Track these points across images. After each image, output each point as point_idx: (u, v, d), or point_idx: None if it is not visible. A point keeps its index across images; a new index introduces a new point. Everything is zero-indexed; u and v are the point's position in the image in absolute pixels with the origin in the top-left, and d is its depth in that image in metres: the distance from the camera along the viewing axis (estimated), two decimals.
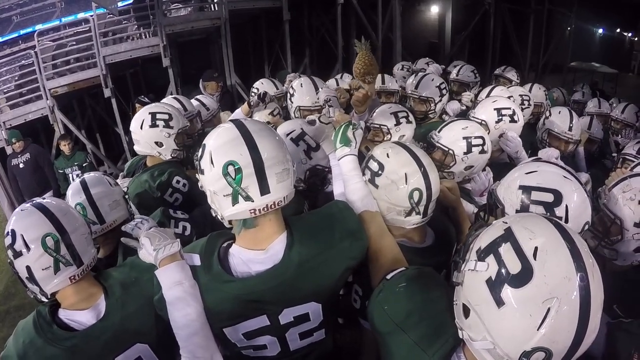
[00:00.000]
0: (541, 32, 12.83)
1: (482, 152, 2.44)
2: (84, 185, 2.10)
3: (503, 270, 0.97)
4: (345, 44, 10.12)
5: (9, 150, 7.40)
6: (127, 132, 7.60)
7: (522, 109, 3.48)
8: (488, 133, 2.65)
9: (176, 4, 9.10)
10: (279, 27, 9.36)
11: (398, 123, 2.83)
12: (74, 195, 2.08)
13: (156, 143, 2.65)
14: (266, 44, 10.66)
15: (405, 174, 1.67)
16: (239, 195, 1.33)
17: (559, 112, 3.40)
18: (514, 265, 0.96)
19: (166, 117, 2.65)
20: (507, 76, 5.01)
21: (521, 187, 1.58)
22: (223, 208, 1.39)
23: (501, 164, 2.84)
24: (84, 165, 6.90)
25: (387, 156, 1.73)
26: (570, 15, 13.02)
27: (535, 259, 0.95)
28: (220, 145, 1.35)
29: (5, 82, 8.84)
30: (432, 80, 3.54)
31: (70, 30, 9.27)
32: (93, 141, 9.53)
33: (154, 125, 2.62)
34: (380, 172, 1.71)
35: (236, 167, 1.30)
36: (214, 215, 1.47)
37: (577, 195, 1.55)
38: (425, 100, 3.48)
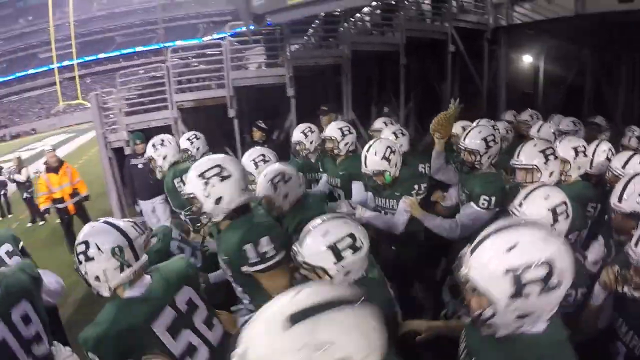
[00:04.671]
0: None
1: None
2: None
3: None
4: (451, 90, 10.34)
5: (127, 151, 8.00)
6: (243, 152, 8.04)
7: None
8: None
9: (301, 39, 9.65)
10: (392, 68, 9.79)
11: (343, 135, 4.19)
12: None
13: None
14: (377, 83, 11.06)
15: None
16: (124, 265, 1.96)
17: None
18: None
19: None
20: (596, 121, 5.39)
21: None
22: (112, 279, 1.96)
23: None
24: None
25: None
26: None
27: None
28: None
29: (131, 89, 9.67)
30: (480, 132, 3.55)
31: (200, 51, 10.03)
32: None
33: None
34: None
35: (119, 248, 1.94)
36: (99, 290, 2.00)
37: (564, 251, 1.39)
38: (471, 152, 3.51)
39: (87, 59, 62.27)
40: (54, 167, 8.10)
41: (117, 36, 69.05)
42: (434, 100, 10.41)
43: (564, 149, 3.46)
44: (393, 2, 9.85)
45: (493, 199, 3.28)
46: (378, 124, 5.32)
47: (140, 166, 6.86)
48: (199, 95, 8.72)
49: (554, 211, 2.33)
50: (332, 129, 4.24)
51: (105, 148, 8.62)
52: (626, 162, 3.33)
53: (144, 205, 6.95)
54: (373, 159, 3.51)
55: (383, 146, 3.53)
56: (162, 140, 4.25)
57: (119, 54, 66.72)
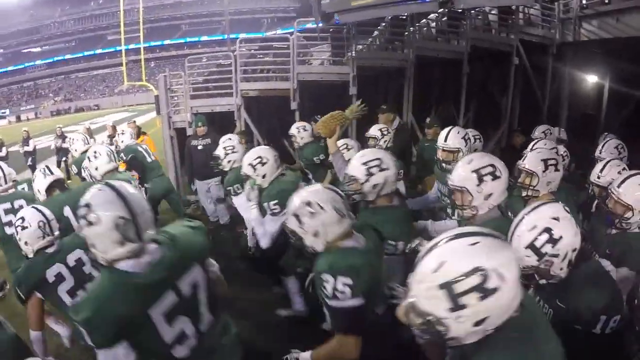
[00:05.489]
0: None
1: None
2: None
3: None
4: (511, 103, 10.25)
5: (188, 132, 8.42)
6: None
7: None
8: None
9: (367, 40, 9.79)
10: (454, 76, 9.83)
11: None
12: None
13: None
14: (438, 89, 11.10)
15: None
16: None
17: None
18: None
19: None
20: None
21: None
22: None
23: None
24: None
25: None
26: None
27: None
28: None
29: (198, 74, 10.12)
30: (458, 132, 3.88)
31: (268, 44, 10.37)
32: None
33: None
34: None
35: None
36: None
37: None
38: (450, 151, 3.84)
39: (153, 43, 64.89)
40: None
41: (183, 24, 71.53)
42: (494, 111, 10.33)
43: (532, 161, 3.10)
44: (460, 10, 9.88)
45: None
46: (373, 130, 5.17)
47: (199, 147, 7.21)
48: (264, 85, 9.10)
49: None
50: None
51: (169, 127, 9.17)
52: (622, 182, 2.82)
53: (200, 184, 7.30)
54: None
55: (254, 154, 3.85)
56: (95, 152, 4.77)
57: (184, 42, 69.19)
